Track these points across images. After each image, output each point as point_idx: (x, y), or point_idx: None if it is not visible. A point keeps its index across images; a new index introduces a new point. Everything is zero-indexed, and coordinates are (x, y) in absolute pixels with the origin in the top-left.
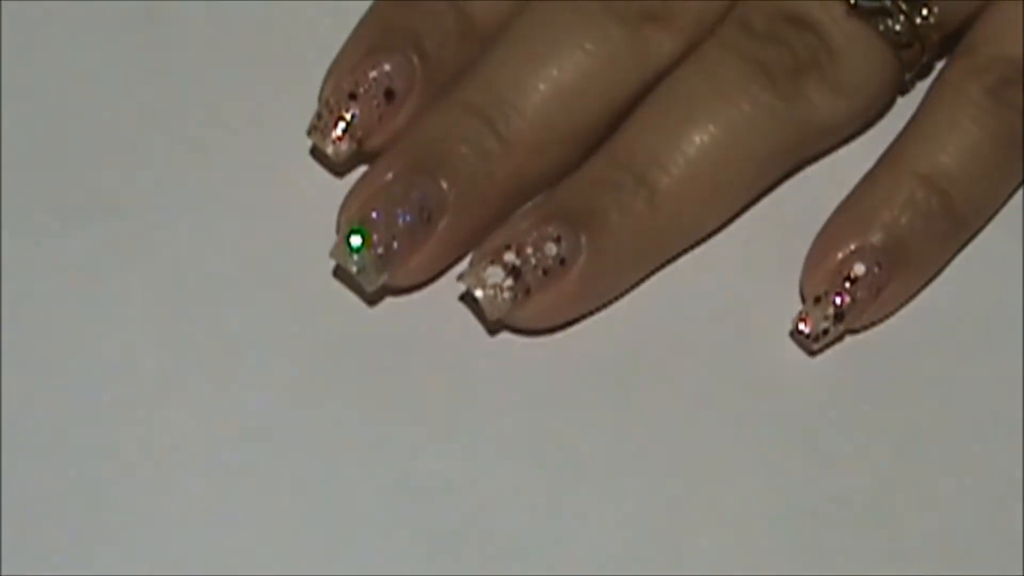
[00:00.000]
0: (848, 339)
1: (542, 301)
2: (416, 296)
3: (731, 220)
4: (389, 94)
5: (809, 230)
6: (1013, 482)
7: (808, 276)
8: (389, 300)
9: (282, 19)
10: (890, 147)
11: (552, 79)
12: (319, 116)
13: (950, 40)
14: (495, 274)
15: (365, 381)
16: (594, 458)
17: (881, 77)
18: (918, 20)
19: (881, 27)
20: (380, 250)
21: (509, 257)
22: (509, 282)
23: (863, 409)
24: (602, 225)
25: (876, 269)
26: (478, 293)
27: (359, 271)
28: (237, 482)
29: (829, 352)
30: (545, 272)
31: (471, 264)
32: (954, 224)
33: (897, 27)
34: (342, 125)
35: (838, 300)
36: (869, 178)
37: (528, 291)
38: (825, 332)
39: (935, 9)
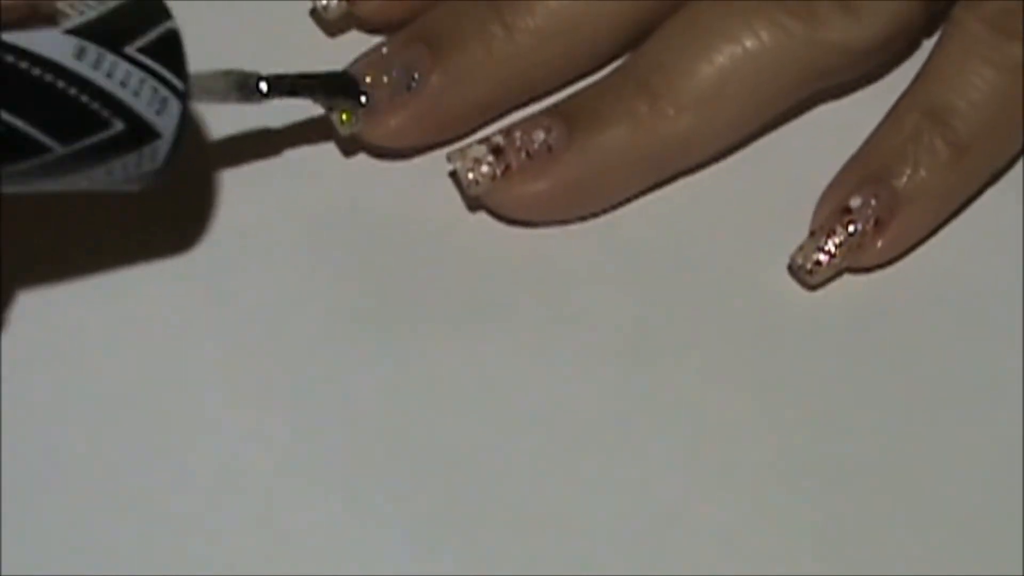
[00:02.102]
0: (863, 285)
1: (523, 186)
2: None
3: (739, 148)
4: None
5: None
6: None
7: (814, 215)
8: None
9: None
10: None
11: None
12: None
13: None
14: (478, 150)
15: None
16: (591, 402)
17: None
18: None
19: None
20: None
21: (496, 137)
22: (490, 158)
23: (867, 356)
24: (599, 126)
25: (873, 201)
26: (456, 164)
27: (336, 113)
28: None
29: (840, 298)
30: (528, 155)
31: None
32: (959, 155)
33: None
34: None
35: (834, 233)
36: (881, 121)
37: (508, 169)
38: (818, 264)
39: None
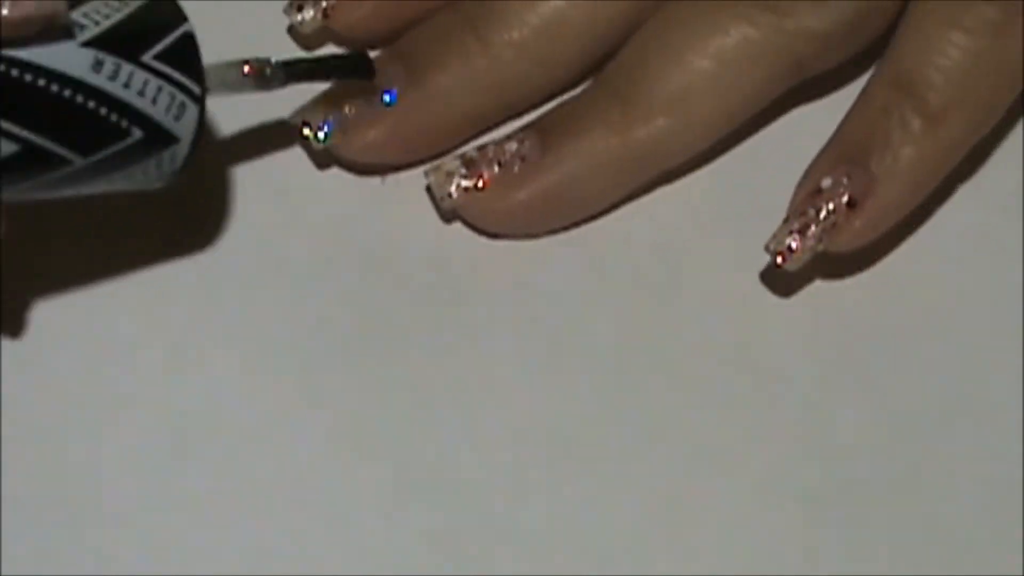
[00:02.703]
0: (845, 292)
1: (498, 199)
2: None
3: (720, 152)
4: None
5: None
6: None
7: (789, 202)
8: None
9: None
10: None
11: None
12: None
13: None
14: (452, 163)
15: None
16: (572, 414)
17: None
18: None
19: None
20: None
21: (470, 152)
22: (463, 171)
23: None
24: (573, 135)
25: (845, 180)
26: (430, 179)
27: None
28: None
29: (823, 304)
30: (500, 165)
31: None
32: (933, 126)
33: None
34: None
35: (804, 213)
36: (854, 101)
37: (482, 181)
38: (791, 249)
39: None
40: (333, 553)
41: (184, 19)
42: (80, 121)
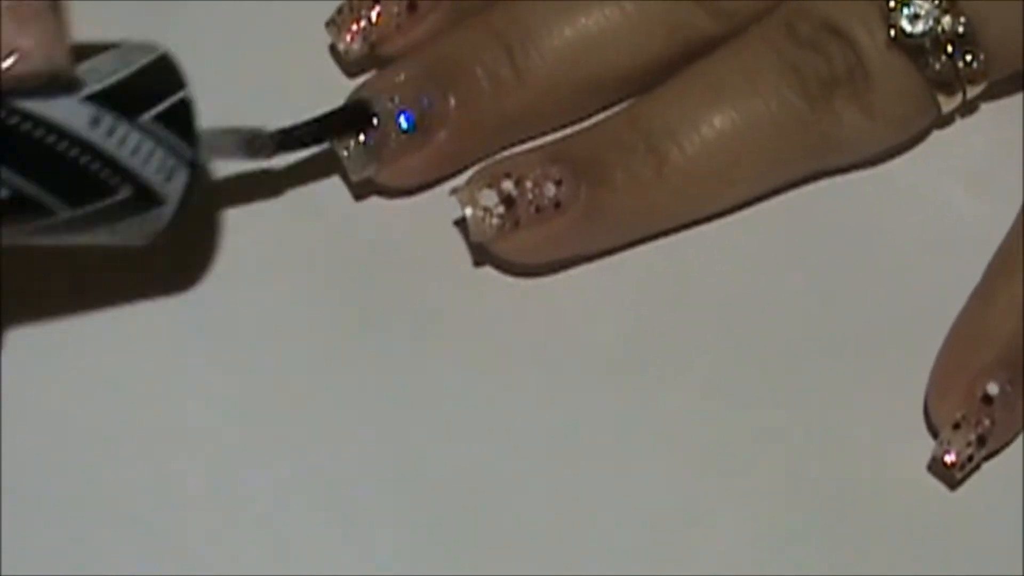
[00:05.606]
0: (856, 298)
1: (528, 236)
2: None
3: (743, 207)
4: (412, 6)
5: (819, 232)
6: None
7: (940, 400)
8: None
9: None
10: (1000, 256)
11: (580, 26)
12: (339, 11)
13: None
14: (489, 197)
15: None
16: (582, 417)
17: (914, 110)
18: (961, 64)
19: (921, 63)
20: (371, 142)
21: (507, 185)
22: (500, 209)
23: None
24: (605, 182)
25: (1008, 388)
26: (468, 211)
27: (348, 157)
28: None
29: (832, 307)
30: (538, 210)
31: (468, 180)
32: None
33: (937, 66)
34: (359, 25)
35: (981, 423)
36: (984, 292)
37: (517, 223)
38: (970, 459)
39: (981, 56)
40: (335, 553)
41: (183, 84)
42: (72, 174)
